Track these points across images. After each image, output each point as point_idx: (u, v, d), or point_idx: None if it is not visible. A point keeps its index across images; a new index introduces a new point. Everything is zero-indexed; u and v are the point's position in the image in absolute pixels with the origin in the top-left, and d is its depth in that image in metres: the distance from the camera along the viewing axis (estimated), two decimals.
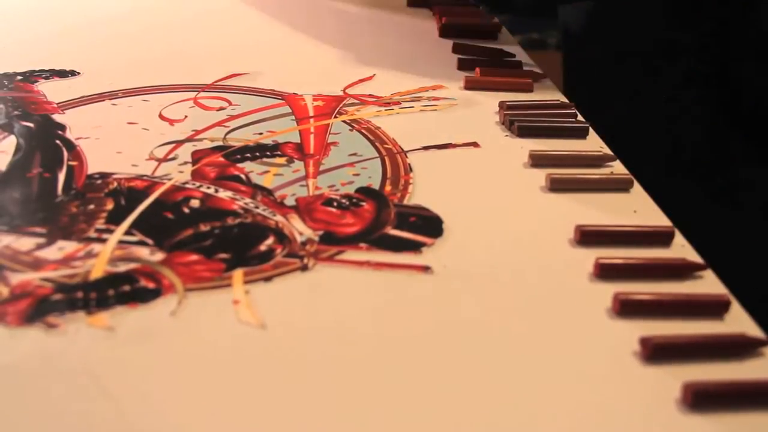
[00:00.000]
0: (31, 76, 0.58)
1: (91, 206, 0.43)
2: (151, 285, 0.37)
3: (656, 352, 0.34)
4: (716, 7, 0.57)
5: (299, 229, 0.42)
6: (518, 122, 0.52)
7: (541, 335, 0.35)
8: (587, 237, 0.41)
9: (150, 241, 0.40)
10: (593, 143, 0.51)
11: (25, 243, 0.40)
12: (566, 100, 0.56)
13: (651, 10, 0.63)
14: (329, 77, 0.60)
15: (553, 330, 0.36)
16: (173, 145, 0.50)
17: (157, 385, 0.32)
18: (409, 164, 0.48)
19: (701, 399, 0.32)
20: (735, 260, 0.43)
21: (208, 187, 0.45)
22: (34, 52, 0.63)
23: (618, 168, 0.48)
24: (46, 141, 0.50)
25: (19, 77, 0.58)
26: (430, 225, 0.42)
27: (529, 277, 0.39)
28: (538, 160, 0.48)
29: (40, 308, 0.35)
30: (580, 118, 0.54)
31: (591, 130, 0.52)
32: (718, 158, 0.61)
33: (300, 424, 0.31)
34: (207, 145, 0.50)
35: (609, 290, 0.37)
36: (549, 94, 0.58)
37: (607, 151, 0.50)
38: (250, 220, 0.42)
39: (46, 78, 0.58)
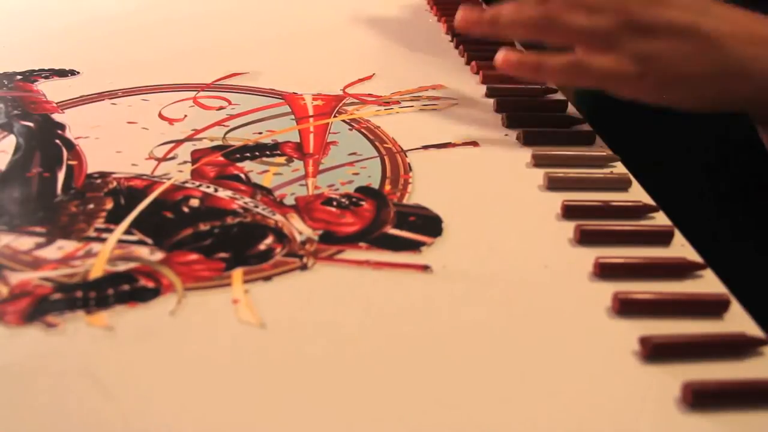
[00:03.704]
0: (31, 76, 0.59)
1: (91, 206, 0.43)
2: (150, 284, 0.37)
3: (656, 351, 0.34)
4: None
5: (299, 228, 0.42)
6: (524, 130, 0.51)
7: (540, 334, 0.35)
8: (587, 236, 0.41)
9: (149, 241, 0.40)
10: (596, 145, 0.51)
11: (24, 242, 0.40)
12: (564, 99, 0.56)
13: None
14: (329, 77, 0.60)
15: (553, 329, 0.36)
16: (173, 144, 0.50)
17: (156, 384, 0.32)
18: (409, 163, 0.48)
19: (701, 398, 0.32)
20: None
21: (208, 187, 0.45)
22: (34, 52, 0.63)
23: (618, 167, 0.48)
24: (45, 140, 0.50)
25: (19, 77, 0.58)
26: (429, 224, 0.42)
27: (528, 276, 0.39)
28: (540, 160, 0.48)
29: (39, 307, 0.35)
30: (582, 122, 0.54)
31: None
32: None
33: (299, 423, 0.31)
34: (206, 144, 0.50)
35: (609, 290, 0.37)
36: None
37: (609, 151, 0.50)
38: (249, 219, 0.42)
39: (46, 77, 0.58)
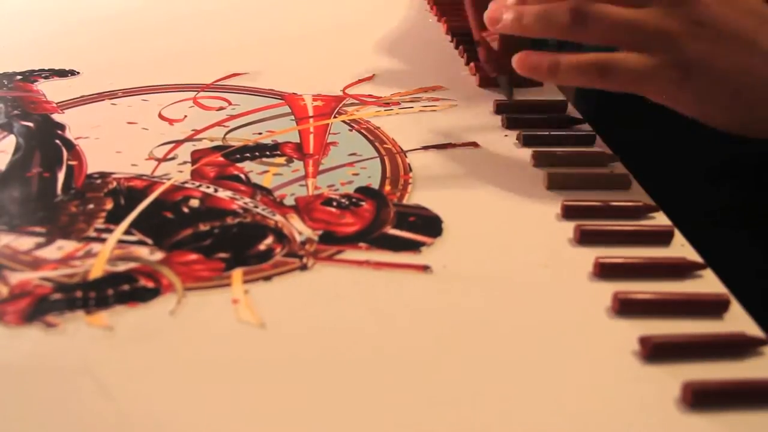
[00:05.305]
0: (31, 76, 0.59)
1: (91, 206, 0.43)
2: (150, 284, 0.37)
3: (656, 351, 0.34)
4: None
5: (299, 228, 0.42)
6: (524, 132, 0.51)
7: (540, 334, 0.35)
8: (587, 236, 0.41)
9: (149, 241, 0.40)
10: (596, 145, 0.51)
11: (24, 242, 0.40)
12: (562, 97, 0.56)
13: None
14: (329, 77, 0.60)
15: (553, 329, 0.36)
16: (173, 144, 0.50)
17: (156, 384, 0.32)
18: (409, 164, 0.48)
19: (701, 398, 0.32)
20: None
21: (208, 187, 0.45)
22: (34, 52, 0.63)
23: (618, 167, 0.48)
24: (45, 140, 0.50)
25: (19, 77, 0.58)
26: (429, 225, 0.42)
27: (528, 276, 0.39)
28: (540, 160, 0.48)
29: (39, 307, 0.35)
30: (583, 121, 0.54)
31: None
32: None
33: (299, 424, 0.31)
34: (206, 144, 0.50)
35: (609, 289, 0.37)
36: (551, 95, 0.58)
37: (609, 151, 0.50)
38: (249, 219, 0.42)
39: (46, 77, 0.58)
